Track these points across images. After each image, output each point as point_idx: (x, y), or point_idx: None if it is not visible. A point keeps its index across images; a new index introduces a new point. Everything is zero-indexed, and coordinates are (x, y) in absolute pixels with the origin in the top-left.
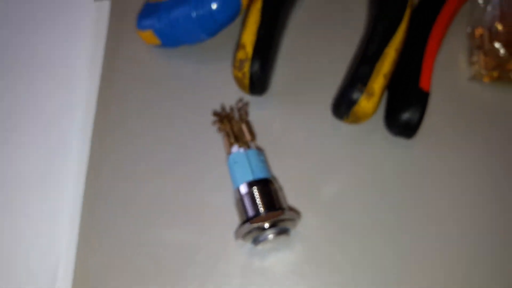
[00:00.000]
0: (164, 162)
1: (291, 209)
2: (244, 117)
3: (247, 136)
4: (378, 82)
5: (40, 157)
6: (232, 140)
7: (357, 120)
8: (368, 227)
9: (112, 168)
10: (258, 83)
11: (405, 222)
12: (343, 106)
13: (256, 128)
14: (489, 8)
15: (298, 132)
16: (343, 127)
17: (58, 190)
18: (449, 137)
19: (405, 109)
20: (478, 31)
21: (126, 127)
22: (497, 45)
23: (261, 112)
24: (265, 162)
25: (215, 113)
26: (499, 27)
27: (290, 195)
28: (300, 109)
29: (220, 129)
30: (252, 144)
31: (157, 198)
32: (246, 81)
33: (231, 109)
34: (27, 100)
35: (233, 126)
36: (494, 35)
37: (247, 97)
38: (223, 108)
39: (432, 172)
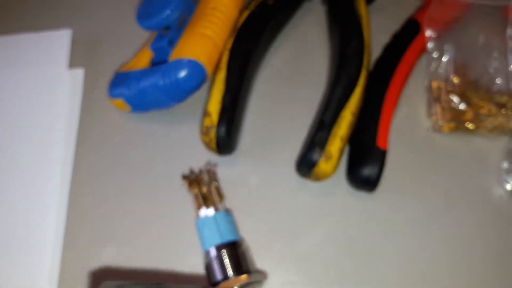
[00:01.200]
0: (137, 224)
1: (258, 271)
2: (213, 178)
3: (216, 198)
4: (335, 145)
5: (18, 218)
6: (201, 202)
7: (318, 179)
8: (334, 276)
9: (88, 232)
10: (224, 147)
11: (371, 269)
12: (304, 168)
13: (225, 185)
14: (443, 61)
15: (266, 189)
16: (309, 183)
17: (37, 250)
18: (410, 187)
19: (364, 167)
20: (435, 84)
21: (100, 189)
22: (453, 97)
23: (230, 171)
24: (233, 223)
25: (184, 177)
26: (455, 79)
27: (258, 251)
28: (267, 167)
29: (189, 191)
30: (220, 206)
31: (130, 261)
32: (213, 145)
33: (200, 171)
34: (5, 165)
35: (202, 189)
36: (450, 88)
37: (216, 158)
38: (191, 171)
39: (395, 221)
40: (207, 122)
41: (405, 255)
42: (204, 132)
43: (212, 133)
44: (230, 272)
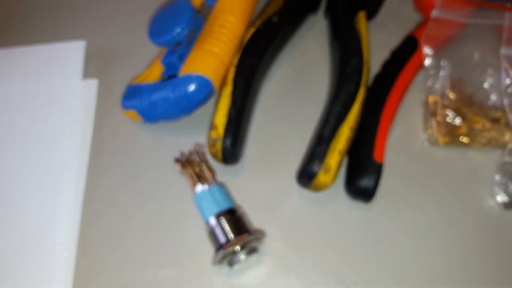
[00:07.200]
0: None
1: (256, 230)
2: (202, 158)
3: (208, 174)
4: (334, 158)
5: (32, 229)
6: (195, 179)
7: (318, 189)
8: (331, 283)
9: (102, 239)
10: (230, 158)
11: (366, 276)
12: (304, 180)
13: (230, 193)
14: (440, 77)
15: (267, 197)
16: (309, 193)
17: (51, 246)
18: (406, 198)
19: (361, 179)
20: (431, 99)
21: (113, 197)
22: (448, 112)
23: (235, 179)
24: (227, 193)
25: (176, 160)
26: (451, 95)
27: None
28: (269, 177)
29: (182, 173)
30: (213, 181)
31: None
32: (220, 156)
33: (190, 153)
34: (17, 177)
35: (195, 168)
36: (446, 103)
37: (204, 141)
38: (182, 154)
39: (390, 230)
40: (214, 134)
41: (400, 263)
42: (211, 143)
43: (219, 145)
44: (230, 235)
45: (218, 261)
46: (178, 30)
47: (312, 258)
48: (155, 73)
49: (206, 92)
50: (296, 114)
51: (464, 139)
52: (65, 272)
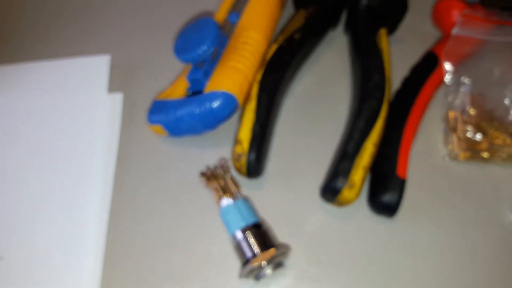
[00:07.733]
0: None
1: (282, 244)
2: (226, 171)
3: (233, 188)
4: (358, 174)
5: (60, 240)
6: (221, 193)
7: (341, 205)
8: None
9: (129, 238)
10: (254, 172)
11: None
12: (328, 195)
13: (253, 206)
14: (460, 92)
15: (290, 210)
16: (331, 207)
17: (78, 260)
18: (427, 212)
19: (384, 195)
20: (452, 114)
21: (139, 209)
22: (469, 127)
23: (258, 193)
24: (252, 208)
25: (202, 174)
26: (471, 111)
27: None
28: (292, 190)
29: (207, 186)
30: (238, 194)
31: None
32: (244, 171)
33: (215, 167)
34: (44, 190)
35: (219, 182)
36: (466, 118)
37: (227, 155)
38: (207, 168)
39: (412, 245)
40: (239, 149)
41: (422, 278)
42: (236, 158)
43: (243, 160)
44: (257, 249)
45: (245, 275)
46: (204, 48)
47: (335, 271)
48: (180, 88)
49: (231, 108)
50: (317, 128)
51: (485, 154)
52: (92, 284)
